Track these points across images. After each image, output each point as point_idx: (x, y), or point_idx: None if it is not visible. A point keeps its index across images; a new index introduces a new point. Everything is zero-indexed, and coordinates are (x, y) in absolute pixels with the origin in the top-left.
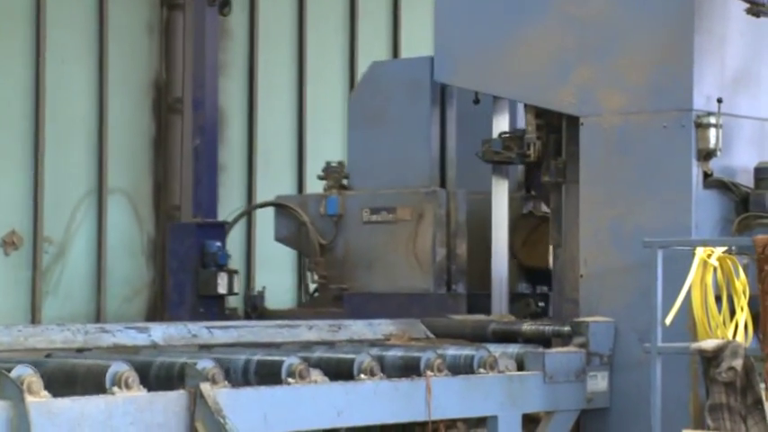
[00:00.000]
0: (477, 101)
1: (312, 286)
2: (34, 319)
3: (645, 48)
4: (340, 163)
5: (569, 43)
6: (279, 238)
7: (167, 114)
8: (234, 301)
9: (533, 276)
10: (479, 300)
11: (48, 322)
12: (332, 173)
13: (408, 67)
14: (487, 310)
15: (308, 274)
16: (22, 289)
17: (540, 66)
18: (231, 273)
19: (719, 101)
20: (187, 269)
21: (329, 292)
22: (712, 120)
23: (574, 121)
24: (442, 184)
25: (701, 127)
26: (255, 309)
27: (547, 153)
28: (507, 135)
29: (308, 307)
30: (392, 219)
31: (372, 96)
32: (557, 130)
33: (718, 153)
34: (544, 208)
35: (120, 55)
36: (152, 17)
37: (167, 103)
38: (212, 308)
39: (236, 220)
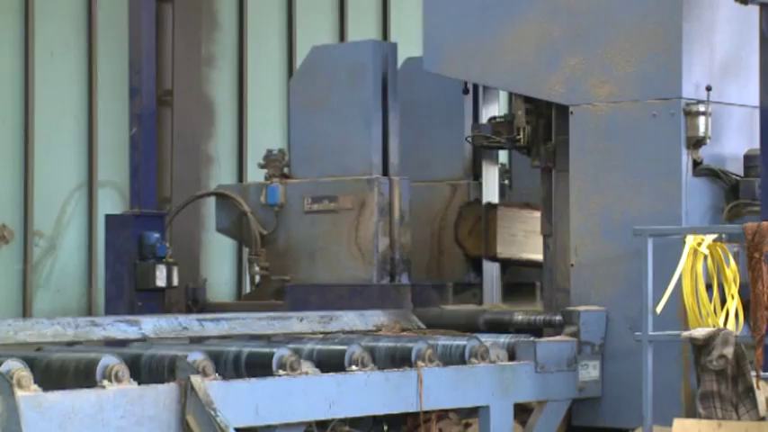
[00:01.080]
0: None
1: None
2: (25, 312)
3: (633, 36)
4: (281, 151)
5: (558, 32)
6: (220, 229)
7: (157, 107)
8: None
9: (479, 266)
10: (425, 291)
11: (39, 316)
12: (273, 161)
13: (350, 52)
14: (432, 302)
15: (250, 265)
16: (13, 283)
17: (529, 55)
18: (171, 265)
19: (708, 89)
20: (124, 262)
21: (271, 285)
22: (701, 108)
23: (563, 110)
24: (385, 171)
25: (691, 115)
26: (197, 302)
27: (537, 138)
28: (497, 120)
29: (250, 299)
30: (334, 208)
31: (313, 82)
32: (546, 116)
33: (708, 141)
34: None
35: (109, 47)
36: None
37: (157, 96)
38: (151, 301)
39: (177, 211)
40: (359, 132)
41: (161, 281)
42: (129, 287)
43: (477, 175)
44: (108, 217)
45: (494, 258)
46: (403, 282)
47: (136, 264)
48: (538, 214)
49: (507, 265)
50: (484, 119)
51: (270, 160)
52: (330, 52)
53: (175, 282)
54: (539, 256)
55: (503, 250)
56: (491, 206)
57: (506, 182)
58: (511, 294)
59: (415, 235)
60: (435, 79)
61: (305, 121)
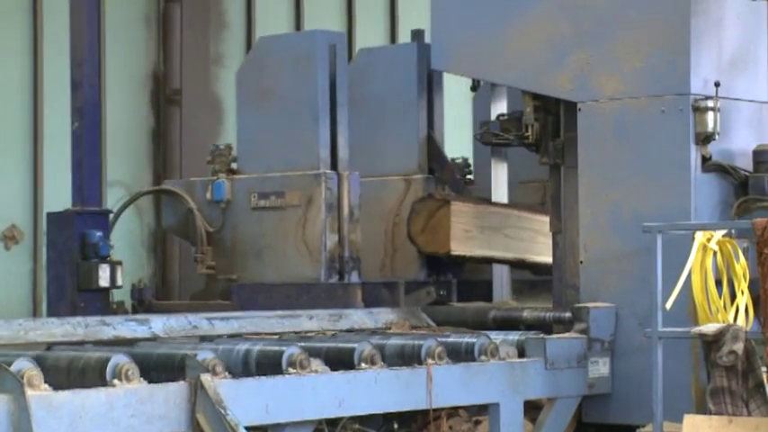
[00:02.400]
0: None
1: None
2: (35, 312)
3: (641, 32)
4: (227, 145)
5: (565, 29)
6: (166, 227)
7: (166, 106)
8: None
9: (435, 263)
10: (375, 290)
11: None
12: (219, 156)
13: (296, 42)
14: (383, 302)
15: (196, 264)
16: (23, 283)
17: (536, 52)
18: (114, 264)
19: (717, 84)
20: (66, 261)
21: (218, 284)
22: (710, 103)
23: (571, 107)
24: (334, 166)
25: (699, 111)
26: (142, 302)
27: (545, 135)
28: (505, 117)
29: (197, 299)
30: (281, 204)
31: (260, 73)
32: (555, 113)
33: (717, 137)
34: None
35: (117, 47)
36: (149, 9)
37: (165, 95)
38: (94, 302)
39: (122, 209)
40: (306, 126)
41: (104, 281)
42: (72, 287)
43: (431, 169)
44: (50, 215)
45: (447, 255)
46: (353, 280)
47: (78, 263)
48: (494, 209)
49: (462, 262)
50: (492, 116)
51: (216, 155)
52: (277, 42)
53: (119, 281)
54: (495, 253)
55: (456, 247)
56: (445, 201)
57: (468, 177)
58: (467, 292)
59: (369, 232)
60: (390, 71)
61: (252, 114)
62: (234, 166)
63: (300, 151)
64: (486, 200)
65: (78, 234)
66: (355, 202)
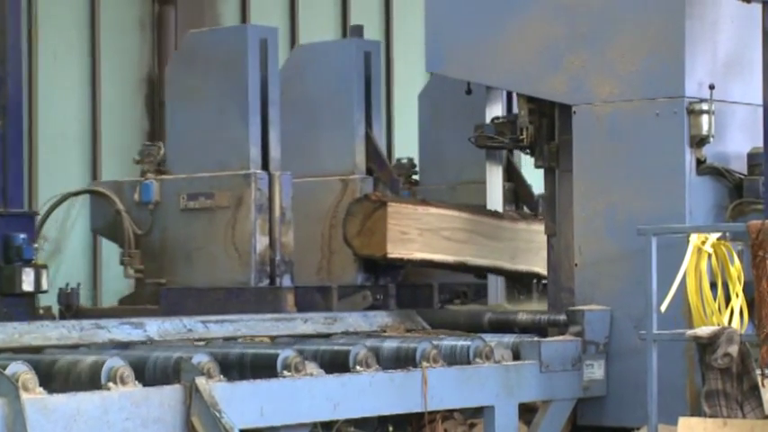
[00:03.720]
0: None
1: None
2: None
3: (636, 35)
4: (157, 144)
5: (560, 32)
6: (95, 229)
7: (160, 109)
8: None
9: (372, 267)
10: (308, 294)
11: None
12: (148, 155)
13: (225, 38)
14: (317, 307)
15: (124, 268)
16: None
17: (531, 55)
18: (39, 268)
19: (711, 87)
20: None
21: (147, 288)
22: (704, 106)
23: (566, 110)
24: (265, 166)
25: (694, 114)
26: (70, 307)
27: (540, 138)
28: (500, 120)
29: (126, 304)
30: (210, 205)
31: (189, 70)
32: (549, 115)
33: (711, 139)
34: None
35: (112, 50)
36: (143, 12)
37: (160, 99)
38: (18, 307)
39: (49, 211)
40: (236, 124)
41: (28, 285)
42: None
43: (370, 169)
44: None
45: (384, 259)
46: (285, 284)
47: (1, 267)
48: (434, 210)
49: (400, 266)
50: (487, 119)
51: (145, 155)
52: (205, 38)
53: (44, 286)
54: (435, 256)
55: (393, 250)
56: (381, 203)
57: (414, 177)
58: (408, 297)
59: (306, 234)
60: (327, 68)
61: (181, 112)
62: (163, 166)
63: (230, 151)
64: (424, 200)
65: (1, 237)
66: (287, 203)
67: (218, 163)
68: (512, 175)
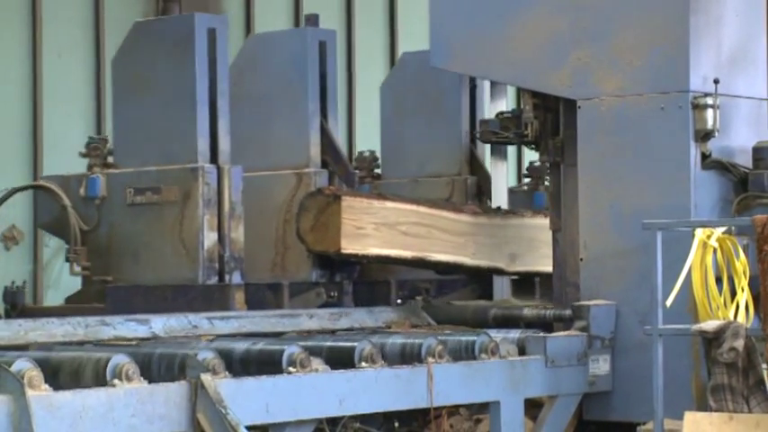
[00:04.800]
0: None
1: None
2: None
3: (640, 29)
4: (103, 137)
5: (564, 26)
6: (41, 225)
7: None
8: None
9: (327, 263)
10: (259, 291)
11: None
12: (94, 149)
13: (172, 26)
14: (267, 304)
15: (70, 265)
16: (24, 283)
17: (535, 50)
18: None
19: (716, 81)
20: None
21: (93, 286)
22: (709, 100)
23: (571, 105)
24: (214, 159)
25: (699, 108)
26: (15, 306)
27: (545, 133)
28: (505, 115)
29: (73, 302)
30: (157, 200)
31: (135, 61)
32: (554, 110)
33: (716, 134)
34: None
35: (116, 48)
36: (147, 9)
37: None
38: None
39: None
40: (183, 116)
41: None
42: None
43: (325, 163)
44: None
45: (338, 254)
46: (234, 281)
47: None
48: (391, 204)
49: (355, 262)
50: (492, 113)
51: (91, 148)
52: (152, 27)
53: None
54: (391, 251)
55: (348, 245)
56: (335, 196)
57: (376, 171)
58: (366, 294)
59: (260, 229)
60: (280, 59)
61: (127, 104)
62: (111, 159)
63: (178, 143)
64: (381, 194)
65: None
66: (237, 197)
67: (165, 156)
68: (475, 168)
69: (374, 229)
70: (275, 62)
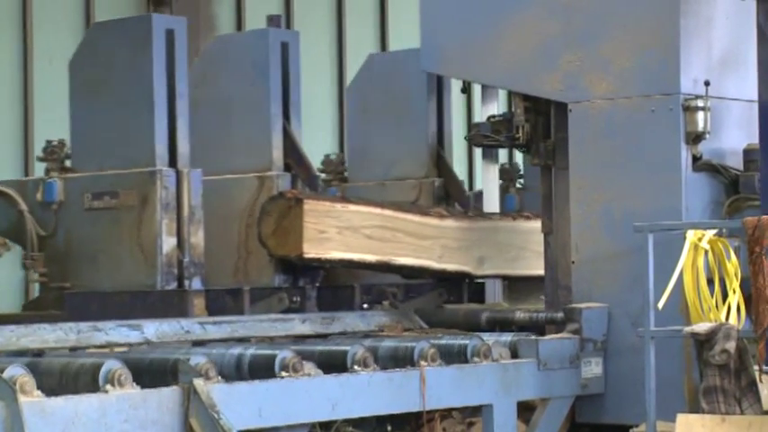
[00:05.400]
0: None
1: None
2: None
3: (631, 32)
4: (61, 141)
5: (555, 30)
6: None
7: None
8: None
9: (290, 268)
10: (219, 297)
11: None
12: (51, 153)
13: (129, 27)
14: (228, 310)
15: (27, 271)
16: (16, 290)
17: (526, 53)
18: None
19: (707, 84)
20: None
21: (51, 292)
22: (700, 103)
23: (562, 108)
24: (173, 162)
25: (689, 110)
26: None
27: (536, 136)
28: (496, 119)
29: (30, 309)
30: (115, 205)
31: (93, 62)
32: (545, 113)
33: (707, 136)
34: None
35: None
36: (138, 13)
37: None
38: None
39: None
40: (141, 119)
41: None
42: None
43: (287, 166)
44: None
45: (300, 259)
46: (194, 287)
47: None
48: (354, 207)
49: (319, 266)
50: (483, 117)
51: (48, 152)
52: (110, 28)
53: None
54: (355, 255)
55: (310, 249)
56: (297, 200)
57: (344, 174)
58: (330, 299)
59: (222, 234)
60: (242, 61)
61: (84, 106)
62: (69, 163)
63: (136, 147)
64: (345, 198)
65: None
66: (196, 201)
67: (123, 160)
68: (442, 170)
69: (337, 232)
70: (237, 64)
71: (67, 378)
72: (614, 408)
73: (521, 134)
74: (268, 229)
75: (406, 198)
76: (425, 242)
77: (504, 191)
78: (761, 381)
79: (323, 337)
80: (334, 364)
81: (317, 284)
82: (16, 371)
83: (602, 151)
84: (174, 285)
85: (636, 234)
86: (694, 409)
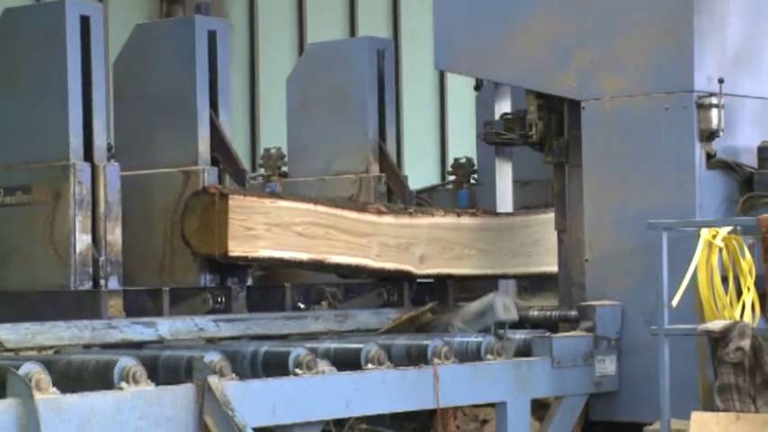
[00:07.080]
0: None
1: None
2: None
3: (645, 30)
4: None
5: (569, 27)
6: None
7: None
8: None
9: (218, 267)
10: (138, 297)
11: None
12: None
13: (43, 14)
14: (147, 311)
15: None
16: None
17: (540, 50)
18: None
19: (721, 81)
20: None
21: None
22: (714, 100)
23: (575, 106)
24: (88, 156)
25: (703, 108)
26: None
27: (549, 134)
28: (509, 116)
29: None
30: (28, 200)
31: (6, 51)
32: (558, 111)
33: (721, 133)
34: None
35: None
36: (152, 12)
37: None
38: None
39: None
40: (55, 110)
41: None
42: None
43: (215, 160)
44: None
45: (224, 257)
46: (111, 287)
47: None
48: (285, 203)
49: (247, 265)
50: (496, 115)
51: None
52: (23, 15)
53: None
54: (285, 253)
55: (236, 247)
56: (221, 195)
57: (283, 169)
58: (259, 299)
59: (147, 231)
60: (168, 51)
61: None
62: None
63: (49, 140)
64: (275, 193)
65: None
66: (114, 197)
67: (36, 153)
68: (384, 165)
69: (266, 229)
70: (162, 53)
71: (83, 375)
72: (628, 406)
73: (534, 132)
74: (191, 227)
75: (346, 194)
76: (362, 240)
77: (457, 187)
78: None
79: (336, 334)
80: (347, 362)
81: (247, 285)
82: (32, 368)
83: (615, 149)
84: (88, 285)
85: (650, 232)
86: (709, 407)
